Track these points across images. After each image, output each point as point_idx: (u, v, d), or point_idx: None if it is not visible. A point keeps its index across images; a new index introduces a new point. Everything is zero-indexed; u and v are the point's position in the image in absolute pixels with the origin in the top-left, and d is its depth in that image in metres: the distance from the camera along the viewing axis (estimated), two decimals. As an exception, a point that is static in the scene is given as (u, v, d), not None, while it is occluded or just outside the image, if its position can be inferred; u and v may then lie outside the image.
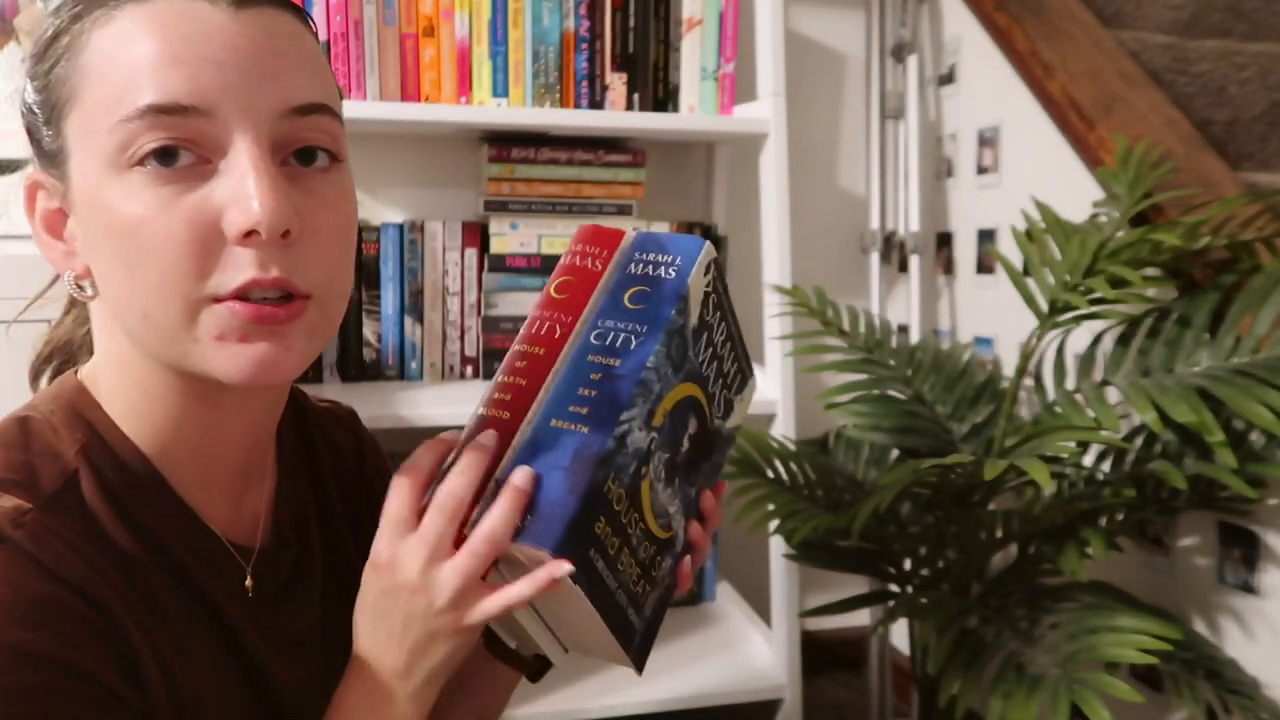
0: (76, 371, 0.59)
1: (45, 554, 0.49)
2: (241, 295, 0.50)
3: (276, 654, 0.61)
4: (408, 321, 1.53)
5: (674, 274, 0.61)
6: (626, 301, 0.60)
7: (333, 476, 0.72)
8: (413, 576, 0.52)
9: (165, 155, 0.49)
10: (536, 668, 0.67)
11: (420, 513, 0.53)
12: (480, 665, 0.69)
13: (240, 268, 0.50)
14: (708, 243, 0.62)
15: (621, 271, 0.61)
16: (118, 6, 0.50)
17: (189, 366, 0.52)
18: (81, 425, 0.55)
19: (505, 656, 0.66)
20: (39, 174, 0.54)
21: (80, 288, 0.55)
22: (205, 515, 0.59)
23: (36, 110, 0.53)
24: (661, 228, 1.61)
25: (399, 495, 0.54)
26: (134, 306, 0.51)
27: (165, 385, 0.55)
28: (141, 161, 0.49)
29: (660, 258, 0.61)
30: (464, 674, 0.70)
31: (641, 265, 0.61)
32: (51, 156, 0.53)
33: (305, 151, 0.53)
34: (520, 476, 0.52)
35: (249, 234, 0.49)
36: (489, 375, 1.55)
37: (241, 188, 0.49)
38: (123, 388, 0.56)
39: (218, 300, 0.50)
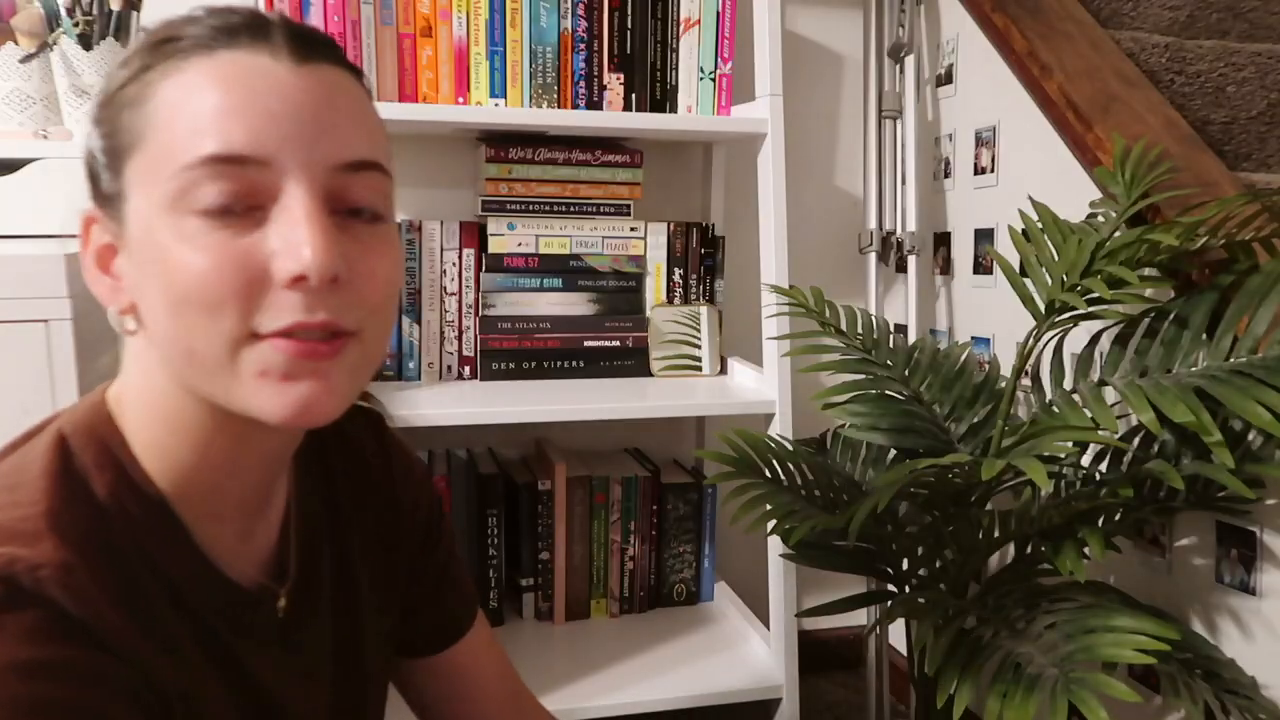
0: (106, 389, 0.59)
1: (83, 609, 0.49)
2: (285, 334, 0.51)
3: (290, 688, 0.61)
4: (405, 321, 1.53)
5: None
6: None
7: (348, 495, 0.70)
8: None
9: (221, 201, 0.50)
10: None
11: None
12: None
13: (285, 310, 0.50)
14: None
15: None
16: (185, 59, 0.52)
17: (232, 404, 0.52)
18: (111, 463, 0.55)
19: None
20: (95, 211, 0.56)
21: (123, 322, 0.56)
22: (216, 552, 0.58)
23: (100, 155, 0.54)
24: (659, 228, 1.61)
25: None
26: (179, 342, 0.52)
27: (197, 421, 0.55)
28: (198, 207, 0.50)
29: None
30: None
31: None
32: (109, 198, 0.54)
33: (353, 210, 0.54)
34: None
35: (297, 280, 0.50)
36: (487, 376, 1.55)
37: (292, 234, 0.50)
38: (149, 423, 0.56)
39: (259, 337, 0.51)
